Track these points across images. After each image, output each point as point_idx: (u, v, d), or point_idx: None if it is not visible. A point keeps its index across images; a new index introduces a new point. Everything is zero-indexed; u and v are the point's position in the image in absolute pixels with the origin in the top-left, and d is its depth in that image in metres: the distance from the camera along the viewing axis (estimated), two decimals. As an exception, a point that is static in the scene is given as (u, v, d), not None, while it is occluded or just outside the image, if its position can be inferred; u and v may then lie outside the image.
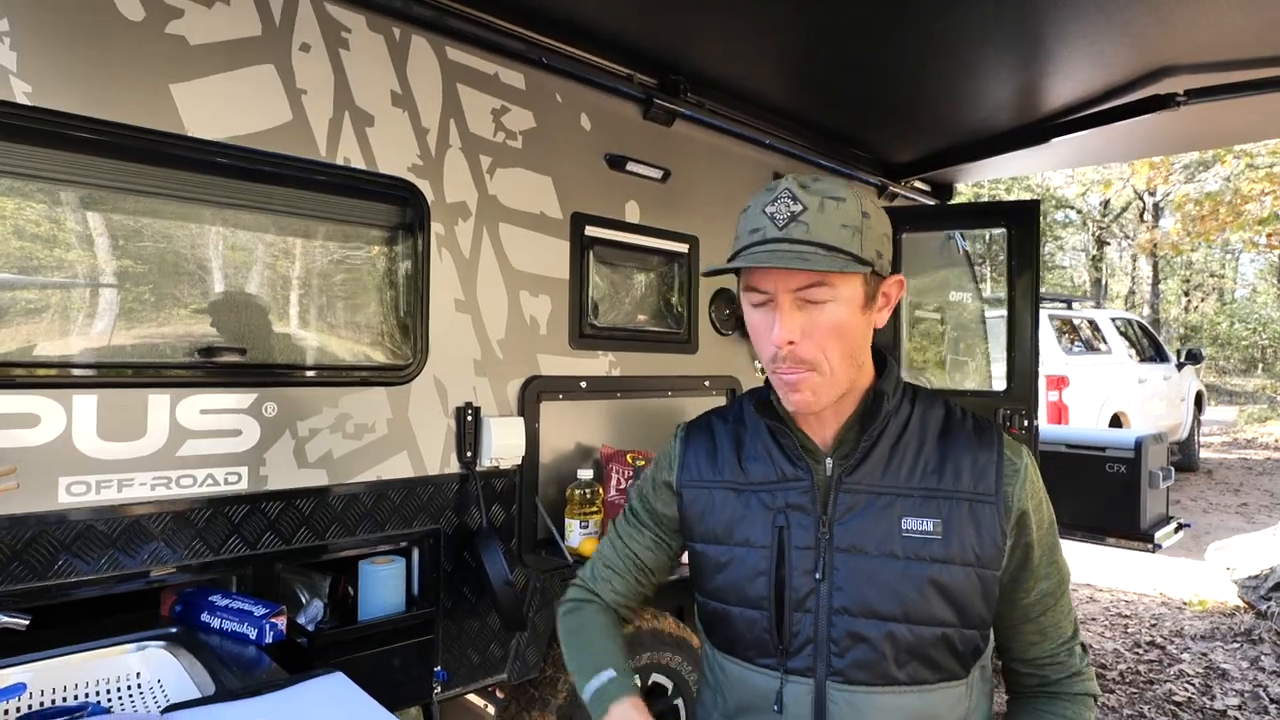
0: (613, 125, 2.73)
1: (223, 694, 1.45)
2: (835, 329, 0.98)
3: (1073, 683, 1.09)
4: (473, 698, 2.63)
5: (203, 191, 1.84)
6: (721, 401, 3.16)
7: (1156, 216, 19.40)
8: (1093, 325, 8.44)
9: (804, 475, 1.07)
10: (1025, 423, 3.68)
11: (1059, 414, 6.99)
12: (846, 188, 1.00)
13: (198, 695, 1.49)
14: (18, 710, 1.43)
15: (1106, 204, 22.36)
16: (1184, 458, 9.82)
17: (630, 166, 2.76)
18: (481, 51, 2.34)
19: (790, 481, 1.08)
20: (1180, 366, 9.63)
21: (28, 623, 1.43)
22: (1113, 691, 4.06)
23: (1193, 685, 4.10)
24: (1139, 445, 4.18)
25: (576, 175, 2.61)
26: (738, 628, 1.09)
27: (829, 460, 1.07)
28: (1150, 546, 4.13)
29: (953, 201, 4.49)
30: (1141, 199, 19.34)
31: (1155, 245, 16.75)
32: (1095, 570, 6.13)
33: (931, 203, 4.41)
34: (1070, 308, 8.68)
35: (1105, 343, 8.31)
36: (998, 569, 1.02)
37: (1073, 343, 7.95)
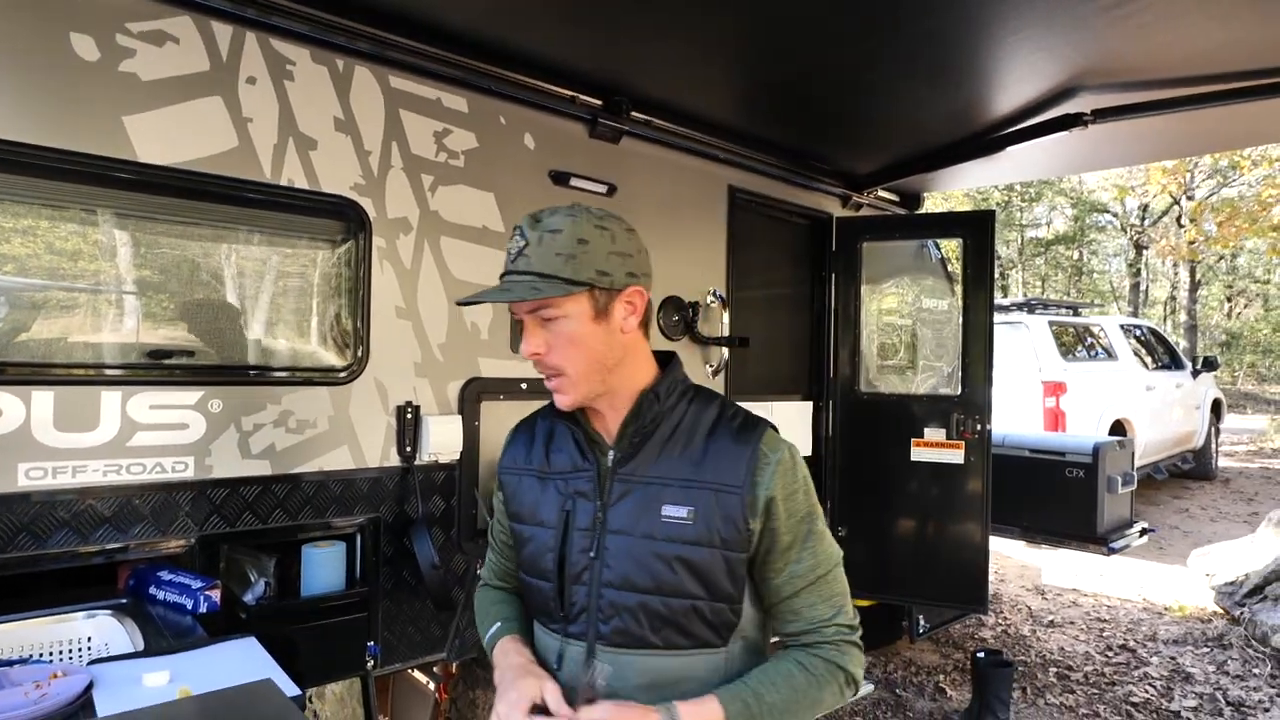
0: (557, 143, 2.91)
1: (146, 652, 1.66)
2: (570, 339, 1.14)
3: (824, 649, 1.18)
4: (419, 676, 2.83)
5: (155, 210, 2.07)
6: (669, 403, 3.32)
7: (1180, 222, 19.02)
8: (1099, 332, 8.38)
9: (589, 466, 1.23)
10: (978, 427, 3.78)
11: (1055, 420, 6.98)
12: (570, 220, 1.13)
13: (128, 653, 1.70)
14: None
15: (1145, 208, 21.94)
16: (1199, 466, 9.67)
17: (574, 182, 2.94)
18: (424, 79, 2.54)
19: (580, 471, 1.24)
20: (1196, 374, 9.50)
21: (-14, 588, 1.66)
22: (1073, 692, 4.12)
23: (1154, 688, 4.14)
24: (1096, 450, 4.23)
25: (519, 191, 2.80)
26: (534, 596, 1.29)
27: (611, 453, 1.22)
28: (1105, 550, 4.18)
29: (920, 211, 4.59)
30: (1179, 204, 18.97)
31: (1174, 250, 16.43)
32: (1083, 576, 6.14)
33: (900, 212, 4.51)
34: (1076, 314, 8.63)
35: (1111, 350, 8.25)
36: (744, 551, 1.16)
37: (1074, 350, 7.92)
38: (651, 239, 3.17)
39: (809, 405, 4.18)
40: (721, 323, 3.51)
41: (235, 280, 2.24)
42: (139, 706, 1.29)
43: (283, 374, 2.28)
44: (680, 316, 3.36)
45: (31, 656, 1.73)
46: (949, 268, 4.68)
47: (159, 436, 2.05)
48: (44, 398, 1.89)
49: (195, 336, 2.14)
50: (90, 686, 1.41)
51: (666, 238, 3.29)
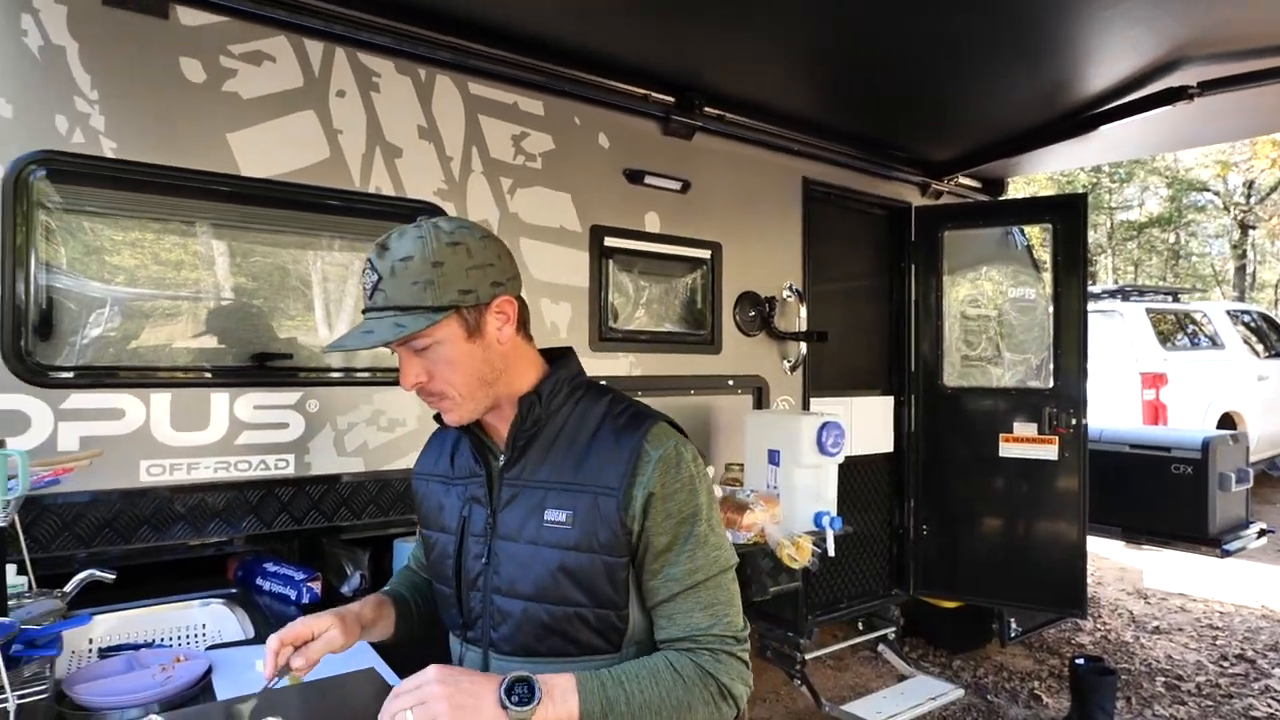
0: (631, 142, 2.93)
1: (258, 639, 1.76)
2: (448, 363, 1.10)
3: (699, 655, 1.09)
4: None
5: (255, 221, 2.18)
6: (746, 400, 3.30)
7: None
8: (1202, 319, 7.89)
9: (482, 471, 1.21)
10: (1072, 421, 3.61)
11: (1155, 414, 6.61)
12: (420, 243, 1.07)
13: (240, 639, 1.80)
14: (90, 642, 1.77)
15: (1251, 185, 20.49)
16: (1319, 462, 8.98)
17: (649, 180, 2.95)
18: (501, 84, 2.60)
19: (475, 476, 1.22)
20: (1315, 362, 8.82)
21: (114, 577, 1.78)
22: (1183, 703, 3.89)
23: (1278, 701, 3.86)
24: (1207, 445, 3.97)
25: (595, 190, 2.83)
26: (440, 602, 1.28)
27: (501, 458, 1.19)
28: (1218, 552, 3.92)
29: (1004, 197, 4.41)
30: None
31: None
32: (1192, 580, 5.78)
33: (982, 199, 4.35)
34: (1176, 300, 8.14)
35: (1217, 338, 7.75)
36: (622, 555, 1.10)
37: (1175, 338, 7.48)
38: (726, 234, 3.18)
39: (889, 400, 4.08)
40: (799, 317, 3.46)
41: (327, 285, 2.34)
42: (254, 691, 1.36)
43: (374, 374, 2.37)
44: (756, 312, 3.33)
45: (155, 641, 1.85)
46: (1035, 255, 4.48)
47: (263, 435, 2.17)
48: (161, 399, 2.02)
49: (292, 339, 2.25)
50: (209, 671, 1.50)
51: (741, 233, 3.27)
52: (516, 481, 1.17)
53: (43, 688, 1.24)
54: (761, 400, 3.35)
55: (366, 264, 1.10)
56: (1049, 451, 3.67)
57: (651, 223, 3.00)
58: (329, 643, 1.13)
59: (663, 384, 3.01)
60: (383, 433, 2.36)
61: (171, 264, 2.10)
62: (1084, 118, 3.25)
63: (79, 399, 1.92)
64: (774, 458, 2.80)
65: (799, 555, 2.44)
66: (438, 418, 1.22)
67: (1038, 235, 4.54)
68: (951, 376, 4.02)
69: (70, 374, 1.92)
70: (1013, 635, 4.34)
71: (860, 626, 4.19)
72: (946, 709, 3.84)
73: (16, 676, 1.21)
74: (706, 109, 3.04)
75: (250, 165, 2.14)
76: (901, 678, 4.02)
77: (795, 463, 2.74)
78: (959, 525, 3.94)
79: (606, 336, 2.84)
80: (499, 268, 1.12)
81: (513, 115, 2.64)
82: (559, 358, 1.24)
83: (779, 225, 3.45)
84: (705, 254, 3.16)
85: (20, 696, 1.18)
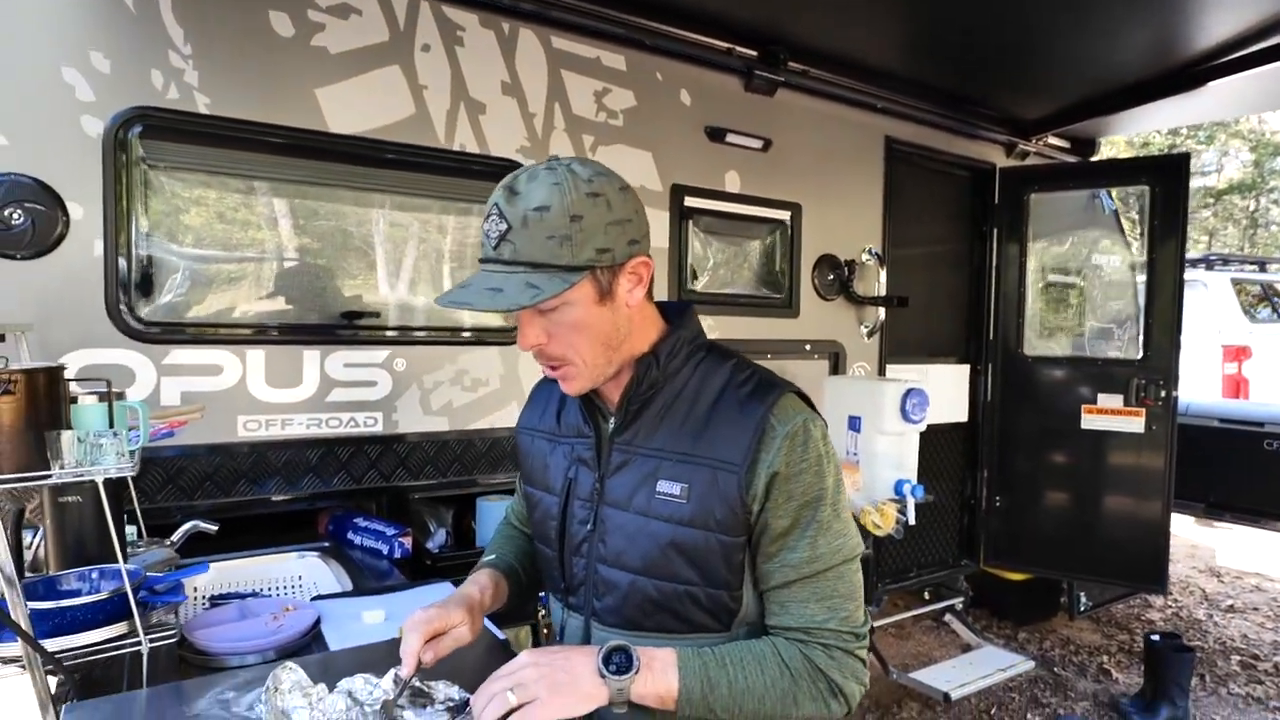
0: (713, 98, 2.84)
1: (358, 591, 1.79)
2: (574, 327, 1.01)
3: (812, 649, 1.03)
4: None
5: (343, 179, 2.18)
6: (822, 366, 3.23)
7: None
8: (1291, 289, 7.49)
9: (590, 433, 1.14)
10: (1161, 394, 3.45)
11: (1236, 388, 6.33)
12: (557, 191, 0.96)
13: (339, 591, 1.84)
14: (195, 590, 1.82)
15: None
16: None
17: (730, 138, 2.86)
18: (584, 38, 2.53)
19: (584, 437, 1.15)
20: None
21: (216, 529, 1.82)
22: (1260, 683, 3.77)
23: (1363, 684, 3.72)
24: (1305, 422, 3.78)
25: (676, 149, 2.76)
26: (542, 562, 1.24)
27: (612, 420, 1.12)
28: (1314, 531, 3.74)
29: (1095, 158, 4.19)
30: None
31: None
32: (1268, 559, 5.58)
33: (1071, 159, 4.14)
34: (1263, 270, 7.73)
35: (1306, 309, 7.35)
36: (740, 535, 1.02)
37: (1261, 309, 7.11)
38: (806, 194, 3.09)
39: (965, 368, 3.97)
40: (878, 281, 3.36)
41: (414, 243, 2.33)
42: (363, 642, 1.38)
43: (458, 334, 2.37)
44: (835, 275, 3.24)
45: (257, 591, 1.90)
46: (1123, 220, 4.27)
47: (352, 393, 2.19)
48: (256, 356, 2.04)
49: (380, 298, 2.26)
50: (318, 621, 1.53)
51: (821, 193, 3.17)
52: (628, 447, 1.10)
53: (171, 632, 1.28)
54: (838, 366, 3.27)
55: (491, 209, 0.98)
56: (1135, 424, 3.53)
57: (731, 182, 2.92)
58: (458, 640, 1.08)
59: (739, 347, 2.94)
60: (466, 392, 2.37)
61: (263, 222, 2.11)
62: (1195, 71, 3.04)
63: (179, 354, 1.95)
64: (855, 424, 2.74)
65: (883, 522, 2.40)
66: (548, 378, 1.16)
67: (1124, 196, 4.31)
68: (1032, 345, 3.87)
69: (170, 330, 1.95)
70: (1082, 609, 4.24)
71: (926, 596, 4.15)
72: (1014, 680, 3.79)
73: (145, 621, 1.24)
74: (790, 64, 2.93)
75: (338, 121, 2.12)
76: (966, 648, 3.97)
77: (877, 429, 2.68)
78: (1034, 497, 3.84)
79: (685, 298, 2.79)
80: (636, 224, 1.03)
81: (595, 70, 2.57)
82: (678, 315, 1.14)
83: (860, 186, 3.33)
84: (784, 215, 3.07)
85: (151, 640, 1.21)
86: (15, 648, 1.10)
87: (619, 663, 0.95)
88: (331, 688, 0.98)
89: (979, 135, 3.74)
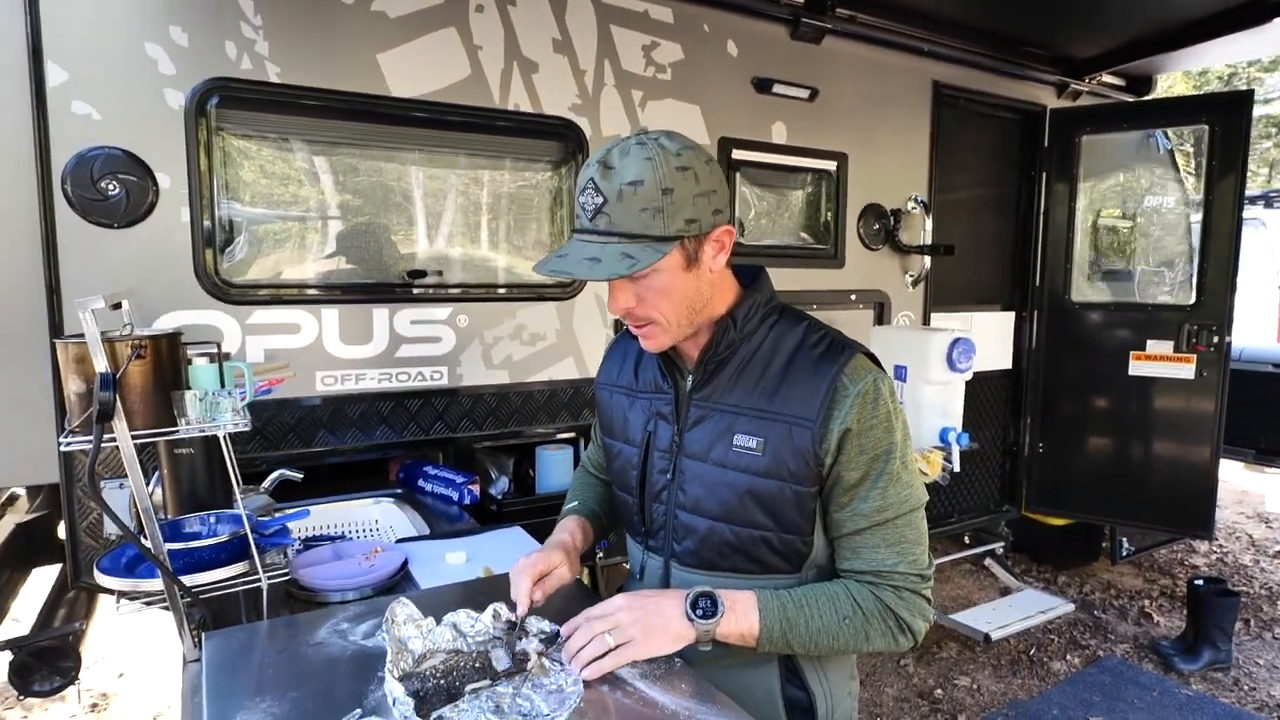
0: (760, 49, 2.83)
1: (434, 534, 1.93)
2: (662, 291, 1.08)
3: (882, 590, 1.11)
4: (633, 568, 3.07)
5: (405, 141, 2.25)
6: (867, 315, 3.26)
7: None
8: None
9: (669, 389, 1.22)
10: (1215, 339, 3.42)
11: (1291, 333, 6.16)
12: (650, 166, 1.02)
13: (417, 535, 1.97)
14: (296, 532, 1.98)
15: None
16: None
17: (777, 89, 2.86)
18: (632, -10, 2.54)
19: (663, 393, 1.23)
20: None
21: (302, 477, 1.96)
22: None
23: None
24: (1364, 366, 3.70)
25: (723, 101, 2.77)
26: (621, 508, 1.34)
27: (690, 378, 1.20)
28: (1366, 477, 3.70)
29: (1150, 96, 4.06)
30: None
31: None
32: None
33: (1126, 99, 4.02)
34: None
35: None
36: (813, 485, 1.10)
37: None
38: (852, 143, 3.08)
39: (1010, 316, 3.96)
40: (923, 230, 3.35)
41: (473, 203, 2.40)
42: (449, 581, 1.50)
43: (516, 290, 2.46)
44: (880, 225, 3.24)
45: (342, 534, 2.05)
46: (1178, 160, 4.15)
47: (419, 349, 2.30)
48: (331, 315, 2.16)
49: (443, 257, 2.35)
50: (406, 561, 1.66)
51: (868, 142, 3.15)
52: (705, 404, 1.18)
53: (284, 570, 1.41)
54: (883, 316, 3.30)
55: (587, 183, 1.04)
56: (1185, 370, 3.51)
57: (778, 133, 2.92)
58: (560, 579, 1.21)
59: (786, 299, 2.99)
60: (525, 346, 2.47)
61: (332, 186, 2.19)
62: (1265, 4, 2.93)
63: (261, 314, 2.07)
64: (900, 373, 2.79)
65: (930, 470, 2.46)
66: (626, 334, 1.24)
67: (1183, 135, 4.18)
68: (1080, 291, 3.84)
69: (252, 291, 2.07)
70: (1124, 554, 4.28)
71: (966, 540, 4.22)
72: (1054, 622, 3.88)
73: (261, 561, 1.37)
74: (838, 10, 2.89)
75: (400, 85, 2.18)
76: (1005, 591, 4.06)
77: (923, 379, 2.73)
78: (1078, 443, 3.86)
79: (733, 251, 2.83)
80: (720, 194, 1.09)
81: (643, 24, 2.58)
82: (753, 279, 1.22)
83: (906, 133, 3.30)
84: (831, 165, 3.07)
85: (271, 577, 1.34)
86: (156, 583, 1.24)
87: (705, 607, 1.05)
88: (438, 621, 1.10)
89: (1029, 76, 3.65)
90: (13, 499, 2.56)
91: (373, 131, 2.19)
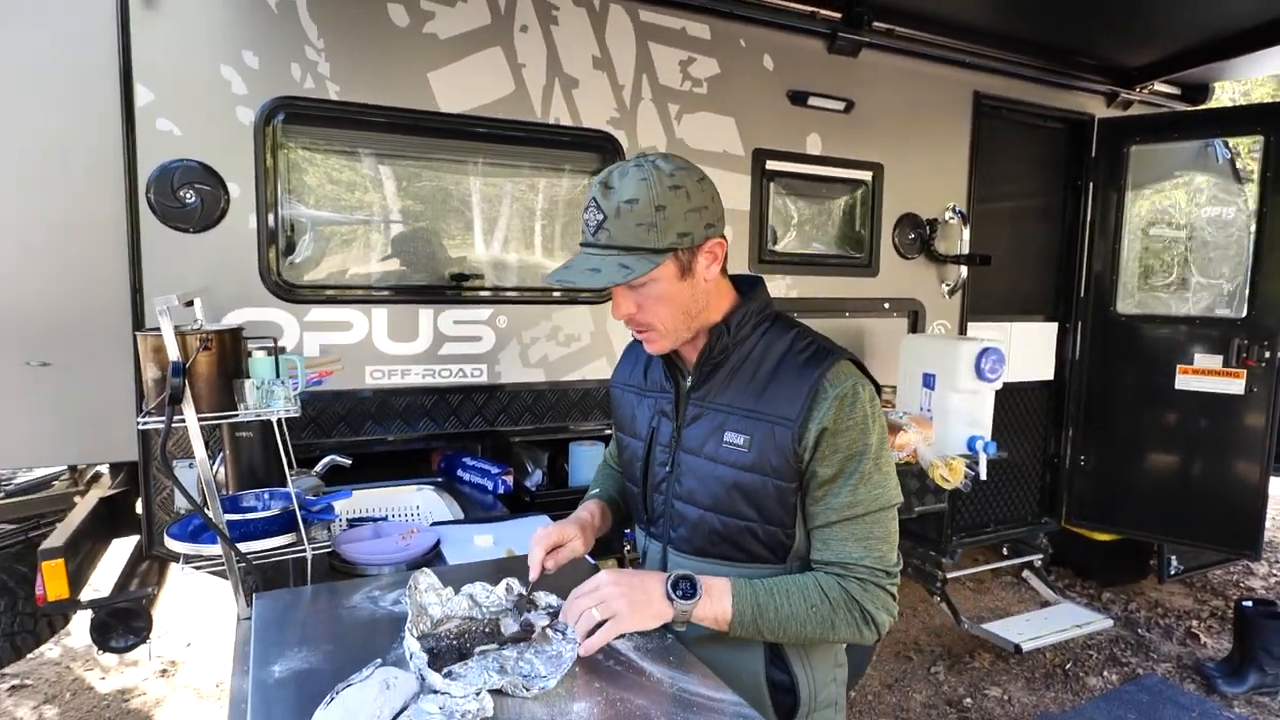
0: (795, 62, 2.91)
1: (468, 519, 2.07)
2: (659, 299, 1.19)
3: (848, 581, 1.18)
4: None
5: (452, 153, 2.41)
6: (901, 324, 3.30)
7: None
8: None
9: (671, 389, 1.33)
10: (1266, 354, 3.34)
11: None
12: (644, 186, 1.13)
13: (451, 519, 2.12)
14: (342, 513, 2.14)
15: None
16: None
17: (812, 101, 2.93)
18: (670, 9, 2.65)
19: (666, 392, 1.34)
20: None
21: (350, 463, 2.13)
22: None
23: None
24: None
25: (758, 114, 2.85)
26: (629, 497, 1.46)
27: (689, 379, 1.31)
28: None
29: (1208, 105, 3.97)
30: None
31: None
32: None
33: (1181, 108, 3.94)
34: None
35: None
36: (793, 481, 1.19)
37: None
38: (888, 154, 3.13)
39: (1053, 327, 3.92)
40: (960, 239, 3.37)
41: (514, 211, 2.55)
42: (476, 560, 1.64)
43: (552, 293, 2.60)
44: (916, 234, 3.27)
45: (386, 516, 2.21)
46: (1239, 169, 4.04)
47: (460, 347, 2.45)
48: (380, 314, 2.33)
49: (483, 261, 2.50)
50: (439, 542, 1.81)
51: (904, 152, 3.19)
52: (701, 402, 1.28)
53: (327, 544, 1.57)
54: (917, 324, 3.33)
55: (590, 202, 1.16)
56: (1234, 385, 3.43)
57: (813, 144, 2.99)
58: (574, 552, 1.34)
59: (819, 306, 3.07)
60: (560, 347, 2.60)
61: (384, 196, 2.37)
62: (1317, 14, 2.87)
63: (318, 312, 2.25)
64: (929, 381, 2.83)
65: (951, 476, 2.50)
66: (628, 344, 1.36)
67: (1244, 145, 4.07)
68: (1126, 303, 3.79)
69: (310, 291, 2.26)
70: (1173, 573, 4.19)
71: (1005, 552, 4.19)
72: (1094, 638, 3.82)
73: (307, 534, 1.52)
74: (875, 24, 2.95)
75: (448, 101, 2.34)
76: (1044, 605, 4.01)
77: (951, 387, 2.76)
78: (1123, 457, 3.80)
79: (765, 259, 2.92)
80: (712, 210, 1.18)
81: (680, 40, 2.69)
82: (749, 288, 1.31)
83: (944, 143, 3.33)
84: (866, 175, 3.13)
85: (314, 549, 1.50)
86: (216, 549, 1.41)
87: (684, 589, 1.15)
88: (457, 591, 1.23)
89: (1076, 86, 3.62)
90: (97, 476, 2.82)
91: (423, 144, 2.36)
